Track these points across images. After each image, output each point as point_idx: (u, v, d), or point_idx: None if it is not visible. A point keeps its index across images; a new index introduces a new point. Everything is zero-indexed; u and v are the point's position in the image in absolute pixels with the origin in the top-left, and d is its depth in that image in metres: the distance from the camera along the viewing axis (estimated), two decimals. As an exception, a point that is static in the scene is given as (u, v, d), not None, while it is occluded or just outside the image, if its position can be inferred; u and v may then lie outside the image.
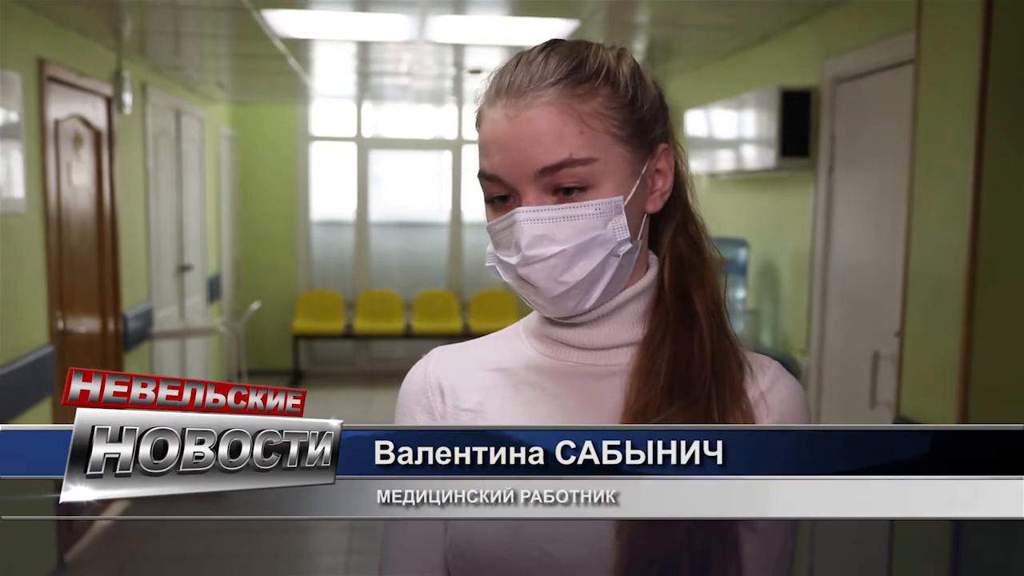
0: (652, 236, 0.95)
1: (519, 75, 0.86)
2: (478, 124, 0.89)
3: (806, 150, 3.58)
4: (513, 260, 0.86)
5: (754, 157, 3.87)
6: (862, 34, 3.18)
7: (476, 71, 5.35)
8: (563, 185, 0.84)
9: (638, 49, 4.37)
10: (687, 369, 0.87)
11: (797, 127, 3.57)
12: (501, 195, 0.87)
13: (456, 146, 8.05)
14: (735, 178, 4.34)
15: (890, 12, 2.98)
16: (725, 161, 4.28)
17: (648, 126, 0.88)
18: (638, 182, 0.87)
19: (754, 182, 4.22)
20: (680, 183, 0.94)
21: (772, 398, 0.88)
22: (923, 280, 2.34)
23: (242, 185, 7.94)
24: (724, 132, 4.32)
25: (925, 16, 2.34)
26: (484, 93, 0.89)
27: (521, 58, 0.88)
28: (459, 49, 4.68)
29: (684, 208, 0.94)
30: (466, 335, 7.64)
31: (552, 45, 0.88)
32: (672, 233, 0.93)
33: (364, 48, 4.70)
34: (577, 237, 0.84)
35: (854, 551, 3.27)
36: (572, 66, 0.85)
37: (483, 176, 0.88)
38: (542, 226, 0.84)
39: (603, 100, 0.85)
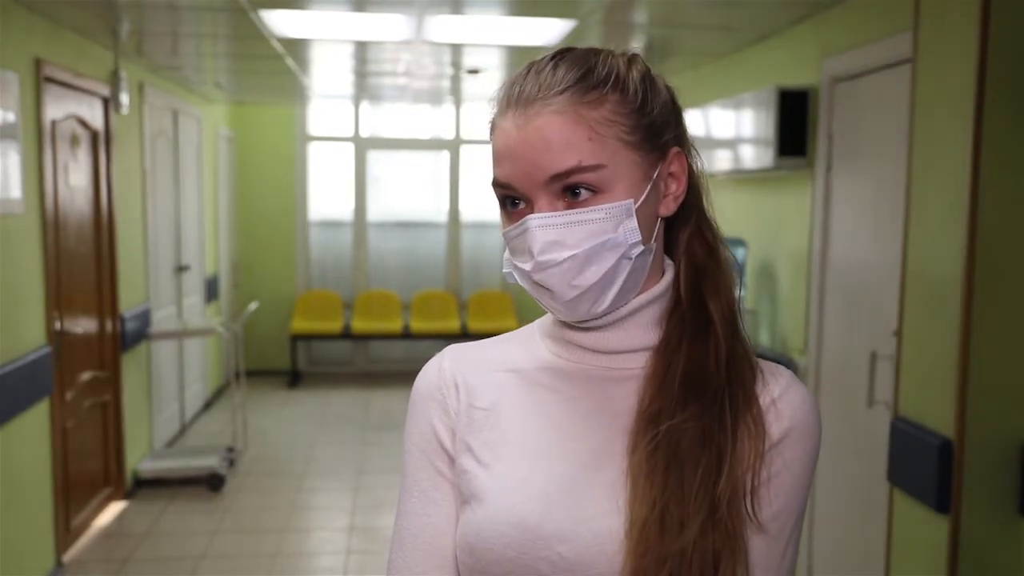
0: (667, 241, 0.96)
1: (528, 84, 0.88)
2: (491, 134, 0.91)
3: (804, 149, 3.58)
4: (527, 266, 0.88)
5: (752, 157, 3.87)
6: (860, 33, 3.18)
7: (474, 71, 5.35)
8: (573, 191, 0.86)
9: (636, 49, 4.37)
10: (702, 374, 0.88)
11: (795, 126, 3.57)
12: (514, 202, 0.89)
13: (454, 146, 8.04)
14: (733, 178, 4.34)
15: (888, 11, 2.98)
16: (723, 161, 4.28)
17: (659, 131, 0.90)
18: (650, 186, 0.89)
19: (752, 182, 4.22)
20: (695, 188, 0.95)
21: (783, 404, 0.89)
22: (921, 279, 2.34)
23: (240, 185, 7.93)
24: (722, 132, 4.32)
25: (923, 15, 2.34)
26: (496, 103, 0.91)
27: (531, 67, 0.90)
28: (457, 49, 4.68)
29: (699, 213, 0.96)
30: (464, 335, 7.64)
31: (562, 53, 0.90)
32: (688, 238, 0.94)
33: (362, 48, 4.70)
34: (588, 241, 0.85)
35: (854, 551, 3.27)
36: (580, 74, 0.87)
37: (496, 184, 0.90)
38: (554, 232, 0.86)
39: (612, 107, 0.86)
